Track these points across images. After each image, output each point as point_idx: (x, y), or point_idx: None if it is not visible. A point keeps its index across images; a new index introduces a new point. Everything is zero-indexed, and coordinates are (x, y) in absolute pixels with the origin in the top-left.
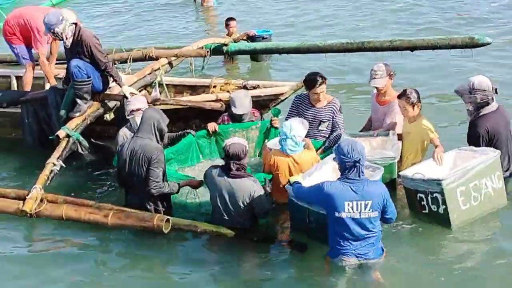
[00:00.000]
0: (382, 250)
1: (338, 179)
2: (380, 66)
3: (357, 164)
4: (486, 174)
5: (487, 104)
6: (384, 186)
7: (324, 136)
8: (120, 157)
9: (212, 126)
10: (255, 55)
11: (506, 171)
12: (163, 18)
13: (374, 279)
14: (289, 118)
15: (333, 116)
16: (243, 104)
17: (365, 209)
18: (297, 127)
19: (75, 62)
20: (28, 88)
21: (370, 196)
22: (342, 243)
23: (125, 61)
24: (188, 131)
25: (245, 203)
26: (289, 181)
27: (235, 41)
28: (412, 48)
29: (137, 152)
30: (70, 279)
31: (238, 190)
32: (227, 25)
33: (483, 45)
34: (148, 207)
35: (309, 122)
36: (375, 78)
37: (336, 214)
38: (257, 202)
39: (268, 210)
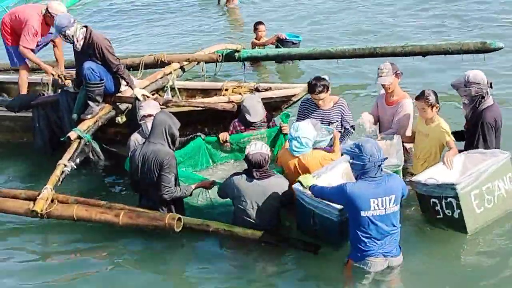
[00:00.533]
0: (400, 247)
1: (360, 178)
2: (386, 65)
3: (382, 163)
4: (498, 176)
5: (482, 97)
6: (400, 178)
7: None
8: (132, 162)
9: (223, 136)
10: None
11: None
12: (186, 21)
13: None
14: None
15: (342, 116)
16: (257, 112)
17: (389, 204)
18: (303, 129)
19: (88, 64)
20: (23, 91)
21: (392, 191)
22: (368, 244)
23: (137, 67)
24: (198, 134)
25: (280, 199)
26: (298, 181)
27: (264, 45)
28: (424, 53)
29: (149, 157)
30: (79, 282)
31: (270, 190)
32: (255, 29)
33: (495, 49)
34: (162, 211)
35: None
36: (381, 76)
37: (362, 214)
38: (289, 193)
39: None
